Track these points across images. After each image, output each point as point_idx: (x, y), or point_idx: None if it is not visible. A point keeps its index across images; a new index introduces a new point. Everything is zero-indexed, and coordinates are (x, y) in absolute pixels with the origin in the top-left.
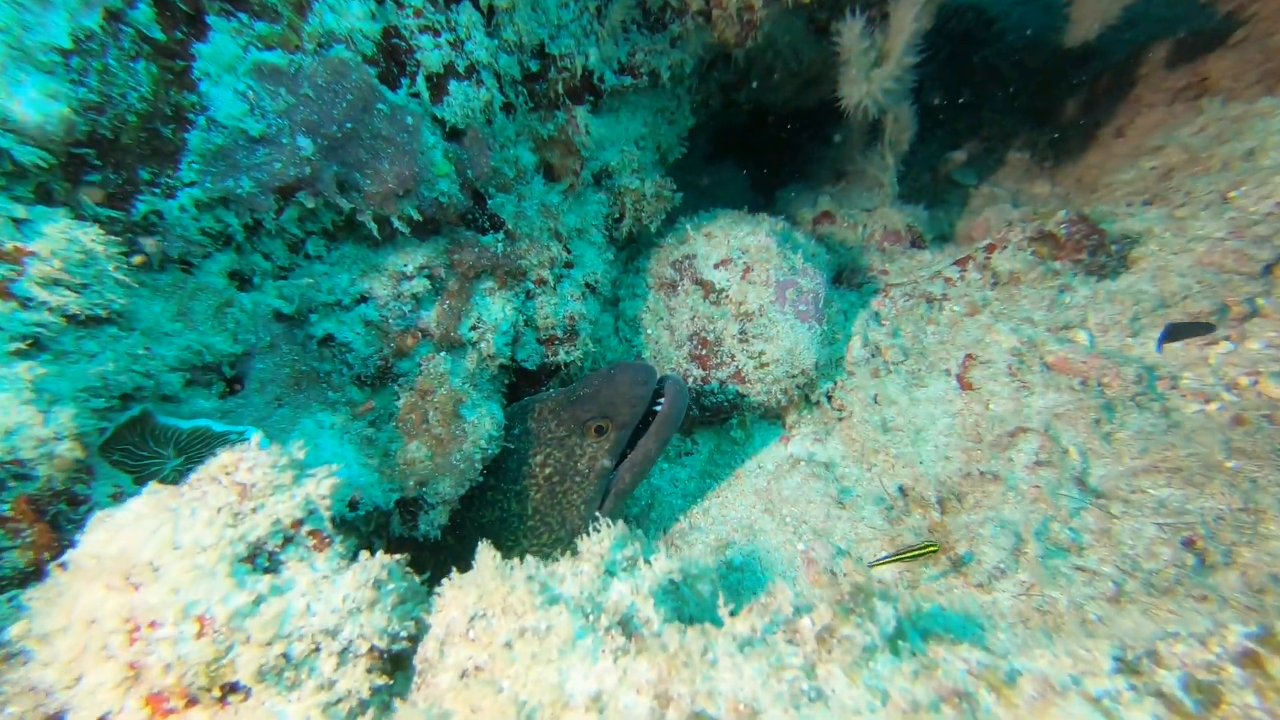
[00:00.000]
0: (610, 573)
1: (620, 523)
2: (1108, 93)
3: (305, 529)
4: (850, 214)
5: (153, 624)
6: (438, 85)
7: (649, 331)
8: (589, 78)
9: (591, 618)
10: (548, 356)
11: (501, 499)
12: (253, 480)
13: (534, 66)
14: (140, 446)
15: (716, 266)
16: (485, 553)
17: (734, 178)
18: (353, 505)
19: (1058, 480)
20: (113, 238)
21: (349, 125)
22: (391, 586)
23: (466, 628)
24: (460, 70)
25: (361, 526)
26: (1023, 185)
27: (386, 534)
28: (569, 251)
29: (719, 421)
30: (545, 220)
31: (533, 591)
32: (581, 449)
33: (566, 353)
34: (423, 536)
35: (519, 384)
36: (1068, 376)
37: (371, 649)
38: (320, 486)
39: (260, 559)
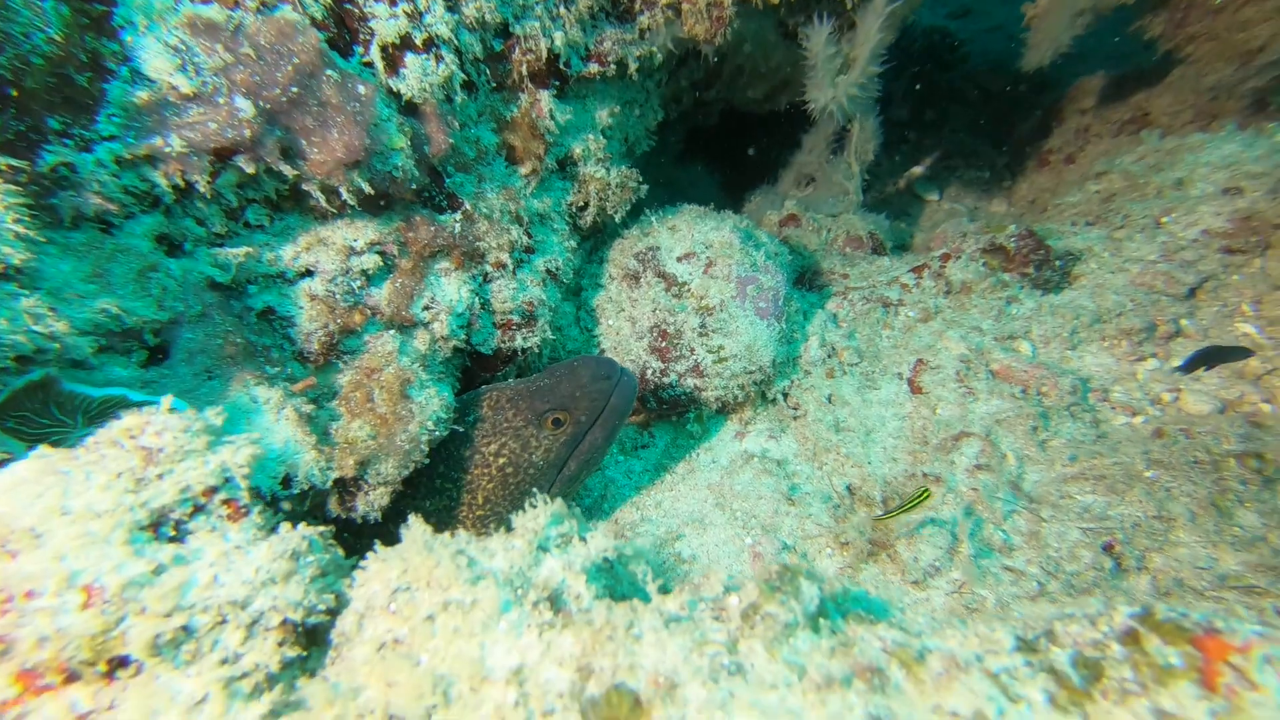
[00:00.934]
0: (543, 549)
1: (558, 500)
2: (1059, 121)
3: (219, 498)
4: (815, 218)
5: (29, 594)
6: (393, 57)
7: (610, 322)
8: (554, 61)
9: (520, 592)
10: (504, 341)
11: (451, 487)
12: (160, 444)
13: (497, 46)
14: (41, 414)
15: (680, 260)
16: (415, 526)
17: (704, 179)
18: (285, 482)
19: (995, 484)
20: (12, 188)
21: (294, 89)
22: (311, 559)
23: (388, 601)
24: (417, 43)
25: (295, 505)
26: (981, 203)
27: (323, 515)
28: (530, 236)
29: (677, 415)
30: (506, 203)
31: (459, 565)
32: (538, 440)
33: (524, 338)
34: (361, 519)
35: (475, 369)
36: (1010, 384)
37: (284, 622)
38: (238, 454)
39: (164, 528)
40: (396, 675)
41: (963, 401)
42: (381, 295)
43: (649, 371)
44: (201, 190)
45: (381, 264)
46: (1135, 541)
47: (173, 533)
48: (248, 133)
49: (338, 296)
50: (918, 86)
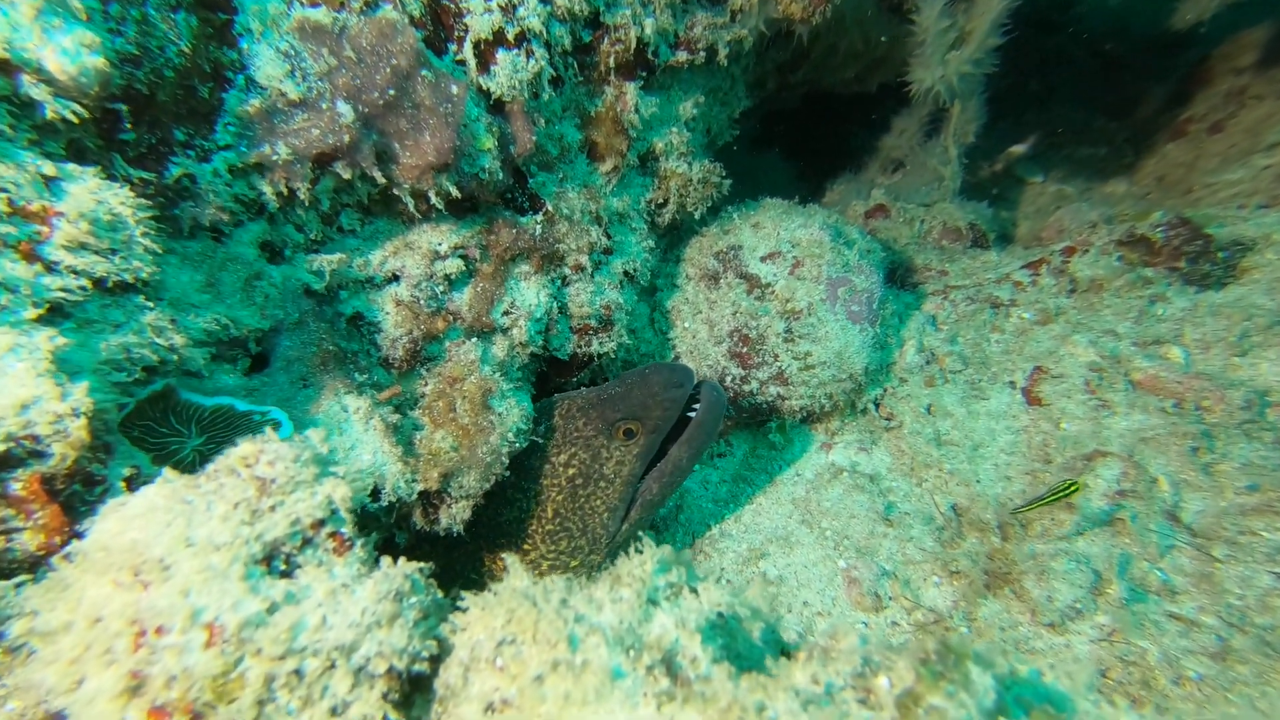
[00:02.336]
0: (653, 601)
1: (666, 546)
2: (1205, 84)
3: (325, 530)
4: (906, 208)
5: (160, 629)
6: (485, 53)
7: (686, 325)
8: (643, 51)
9: (632, 654)
10: (580, 346)
11: (521, 498)
12: (273, 475)
13: (586, 37)
14: (161, 423)
15: (764, 260)
16: (515, 569)
17: (779, 166)
18: (374, 495)
19: (1145, 513)
20: (143, 201)
21: (391, 92)
22: (414, 600)
23: (494, 654)
24: (510, 38)
25: (383, 517)
26: (1093, 184)
27: (408, 527)
28: (609, 237)
29: (757, 424)
30: (586, 203)
31: (565, 620)
32: (609, 451)
33: (600, 343)
34: (444, 531)
35: (549, 374)
36: (1158, 397)
37: (390, 670)
38: (341, 487)
39: (276, 561)
40: None
41: (1095, 415)
42: (463, 300)
43: (728, 378)
44: (302, 197)
45: (464, 268)
46: None
47: (284, 567)
48: (347, 138)
49: (422, 302)
50: (1020, 54)
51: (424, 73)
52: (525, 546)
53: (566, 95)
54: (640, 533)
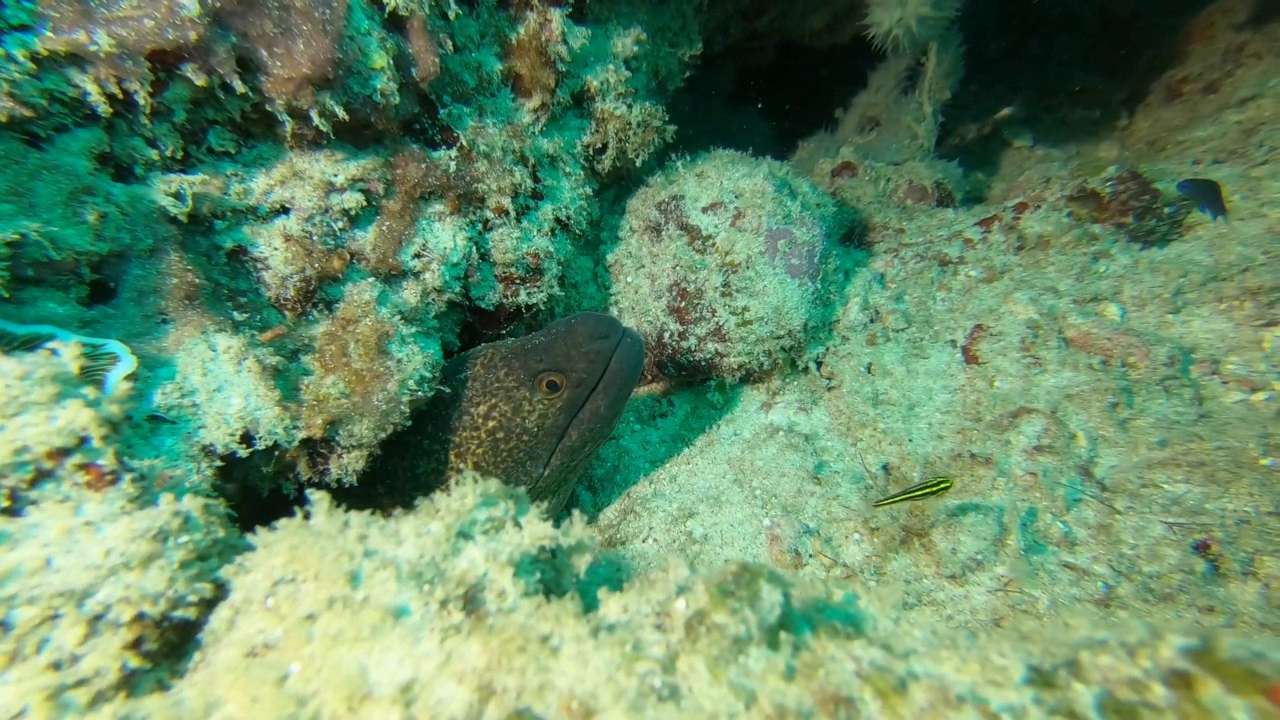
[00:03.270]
0: (465, 535)
1: (494, 481)
2: (1204, 41)
3: (71, 461)
4: (874, 166)
5: None
6: None
7: (629, 279)
8: None
9: (428, 588)
10: (507, 296)
11: (439, 449)
12: None
13: None
14: None
15: (705, 210)
16: (318, 501)
17: (757, 124)
18: (244, 439)
19: (1059, 468)
20: None
21: None
22: (185, 539)
23: (267, 594)
24: None
25: (262, 465)
26: (1085, 147)
27: (294, 478)
28: (537, 180)
29: (698, 382)
30: (510, 140)
31: (352, 555)
32: (531, 404)
33: (529, 294)
34: (335, 483)
35: (477, 326)
36: (1088, 354)
37: (140, 617)
38: (96, 410)
39: None
40: (260, 690)
41: (1026, 373)
42: (367, 239)
43: (666, 334)
44: (142, 104)
45: (365, 204)
46: (1241, 541)
47: (6, 503)
48: (193, 35)
49: (315, 238)
50: (1019, 14)
51: None
52: None
53: (484, 19)
54: (576, 490)
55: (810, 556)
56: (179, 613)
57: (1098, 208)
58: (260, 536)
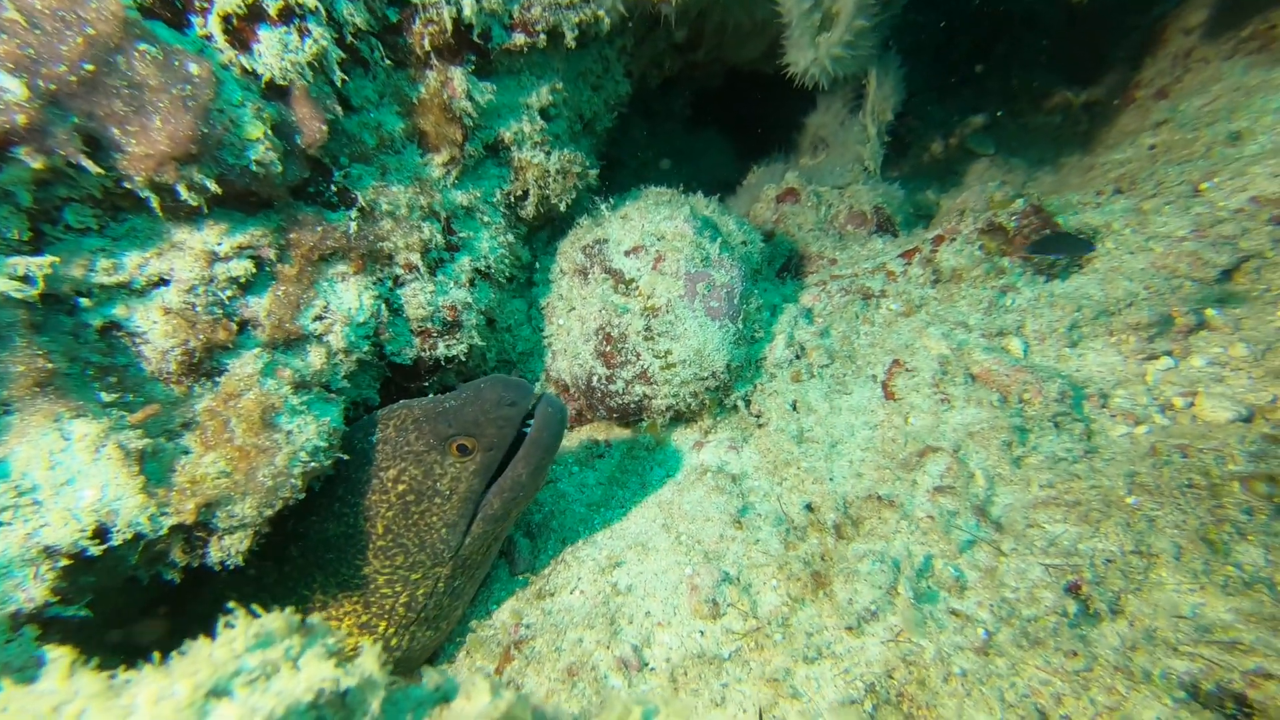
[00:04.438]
0: (220, 693)
1: (279, 617)
2: (1160, 44)
3: None
4: (817, 191)
5: None
6: (240, 30)
7: (560, 321)
8: (466, 33)
9: None
10: (425, 350)
11: (349, 513)
12: None
13: (393, 15)
14: None
15: (628, 254)
16: (55, 663)
17: (716, 145)
18: (98, 535)
19: (956, 509)
20: None
21: (88, 66)
22: None
23: None
24: (271, 12)
25: (130, 557)
26: (1048, 155)
27: (169, 564)
28: (452, 232)
29: (632, 422)
30: (415, 196)
31: None
32: (442, 468)
33: (448, 346)
34: (219, 566)
35: (397, 380)
36: (989, 390)
37: None
38: None
39: None
40: None
41: (936, 410)
42: (262, 306)
43: (595, 378)
44: None
45: (256, 270)
46: (1108, 581)
47: None
48: (21, 119)
49: (199, 309)
50: (985, 16)
51: (142, 46)
52: (357, 561)
53: (381, 80)
54: (514, 537)
55: (728, 606)
56: None
57: (1005, 241)
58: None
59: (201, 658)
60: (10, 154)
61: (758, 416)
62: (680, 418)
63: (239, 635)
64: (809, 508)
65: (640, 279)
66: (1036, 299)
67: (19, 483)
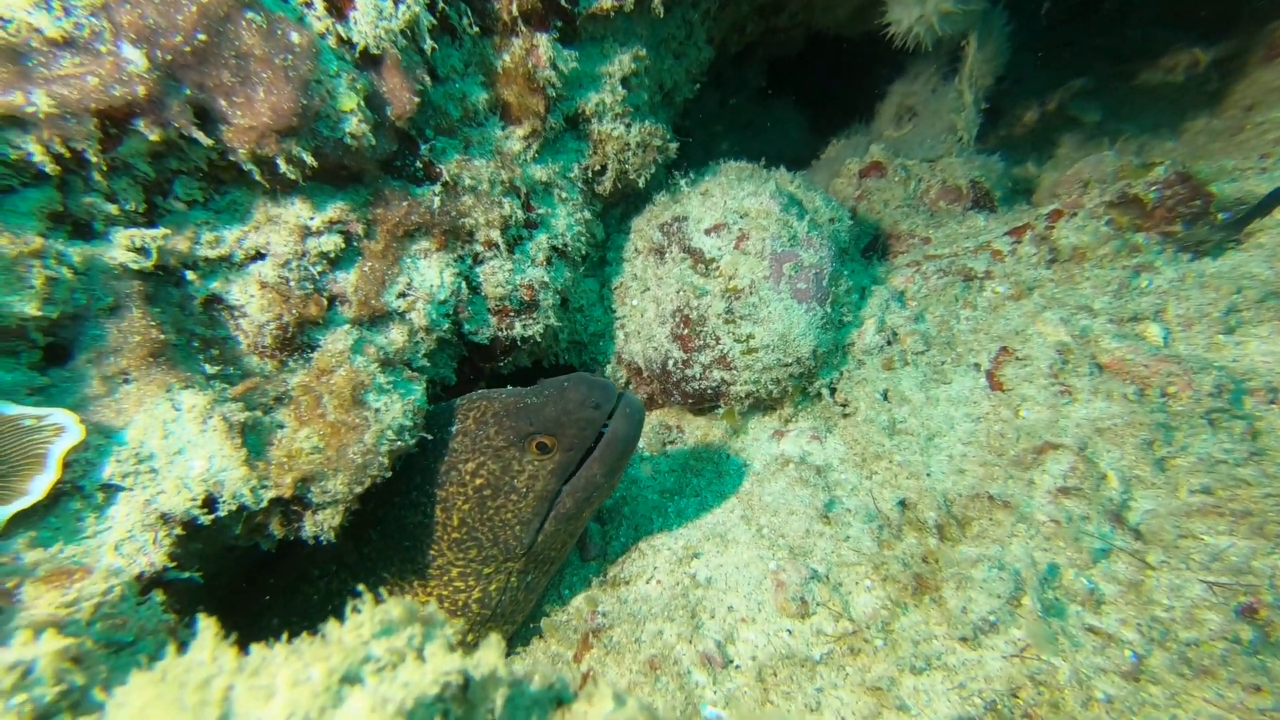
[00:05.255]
0: (352, 679)
1: (399, 603)
2: None
3: None
4: (905, 165)
5: None
6: None
7: (634, 302)
8: None
9: None
10: (502, 330)
11: (426, 502)
12: None
13: None
14: None
15: (708, 232)
16: (204, 629)
17: (790, 118)
18: (207, 504)
19: (1085, 514)
20: None
21: (201, 36)
22: (20, 699)
23: None
24: None
25: (232, 527)
26: (1165, 118)
27: (267, 536)
28: (530, 209)
29: (707, 408)
30: (497, 172)
31: (206, 716)
32: (520, 465)
33: (524, 326)
34: (311, 540)
35: (474, 359)
36: (1123, 381)
37: None
38: None
39: None
40: None
41: (1054, 403)
42: (349, 281)
43: (670, 362)
44: (94, 160)
45: (345, 245)
46: None
47: None
48: (141, 90)
49: (292, 283)
50: None
51: (249, 15)
52: (432, 552)
53: (467, 49)
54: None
55: (818, 605)
56: None
57: (1141, 215)
58: (116, 694)
59: (333, 642)
60: (131, 125)
61: (844, 405)
62: (759, 405)
63: (366, 621)
64: (903, 504)
65: (722, 259)
66: (1181, 280)
67: (138, 450)
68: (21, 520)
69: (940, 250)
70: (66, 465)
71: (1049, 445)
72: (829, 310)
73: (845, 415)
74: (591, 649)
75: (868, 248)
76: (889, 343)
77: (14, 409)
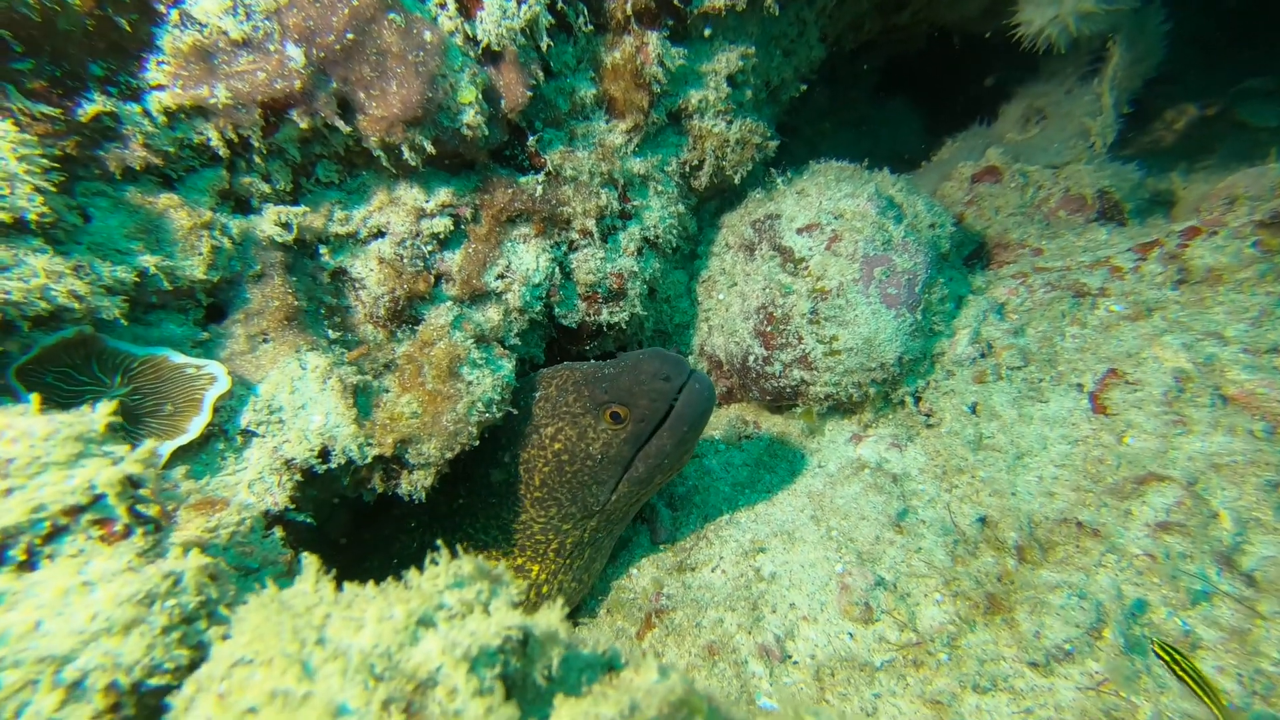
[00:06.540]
0: (427, 622)
1: (470, 560)
2: None
3: (87, 517)
4: (1024, 170)
5: None
6: None
7: (720, 296)
8: None
9: (372, 685)
10: (589, 315)
11: (511, 462)
12: (13, 454)
13: None
14: (82, 370)
15: (801, 231)
16: (308, 566)
17: (906, 117)
18: (322, 455)
19: (1188, 552)
20: (27, 136)
21: (350, 36)
22: (171, 603)
23: (225, 675)
24: None
25: (341, 478)
26: None
27: (369, 489)
28: (626, 200)
29: (785, 406)
30: (598, 163)
31: (305, 641)
32: (595, 432)
33: (611, 313)
34: (406, 497)
35: (561, 341)
36: (1250, 416)
37: (112, 685)
38: (108, 470)
39: (11, 552)
40: None
41: (1165, 432)
42: (454, 261)
43: (751, 358)
44: (257, 145)
45: (453, 227)
46: None
47: (22, 558)
48: (298, 84)
49: (405, 260)
50: None
51: (391, 16)
52: (516, 508)
53: (580, 45)
54: (657, 506)
55: (883, 612)
56: (154, 680)
57: None
58: (252, 600)
59: (413, 588)
60: (287, 115)
61: (927, 415)
62: (838, 408)
63: (442, 573)
64: (983, 521)
65: (811, 259)
66: None
67: (270, 402)
68: (180, 454)
69: (1051, 263)
70: (216, 410)
71: (1154, 476)
72: (919, 317)
73: (929, 425)
74: (654, 628)
75: (971, 256)
76: (983, 355)
77: (181, 358)
